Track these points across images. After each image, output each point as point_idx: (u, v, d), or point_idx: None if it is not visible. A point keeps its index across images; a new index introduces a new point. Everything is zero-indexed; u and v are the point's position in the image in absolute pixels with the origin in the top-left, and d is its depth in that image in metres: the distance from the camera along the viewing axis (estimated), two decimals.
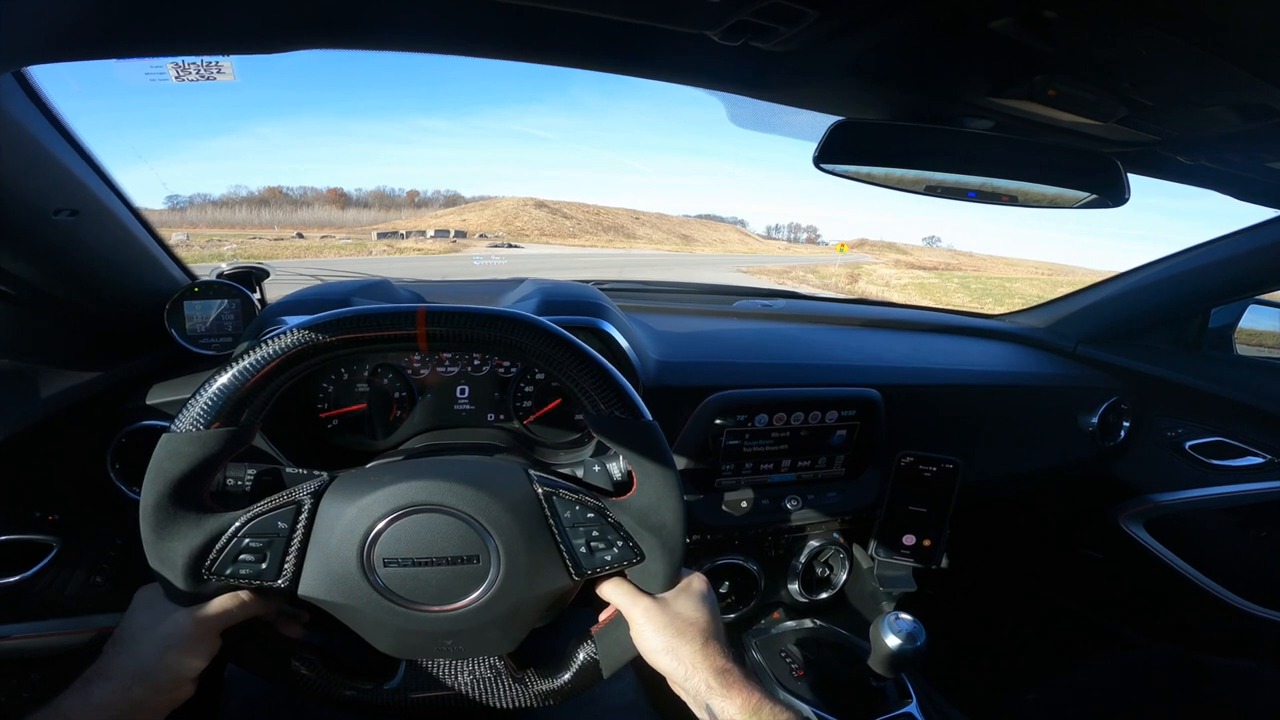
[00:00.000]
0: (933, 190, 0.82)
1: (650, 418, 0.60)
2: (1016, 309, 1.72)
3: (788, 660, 1.07)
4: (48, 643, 0.81)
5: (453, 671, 0.62)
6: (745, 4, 0.50)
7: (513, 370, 0.96)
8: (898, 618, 0.86)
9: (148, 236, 0.86)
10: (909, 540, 1.10)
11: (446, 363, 0.95)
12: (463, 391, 0.96)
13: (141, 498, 0.53)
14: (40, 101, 0.62)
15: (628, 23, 0.55)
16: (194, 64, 0.60)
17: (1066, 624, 1.66)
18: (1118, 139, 0.80)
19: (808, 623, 1.17)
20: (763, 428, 1.01)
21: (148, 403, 0.87)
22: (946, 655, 0.91)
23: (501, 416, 0.98)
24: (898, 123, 0.77)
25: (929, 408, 1.20)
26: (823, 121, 0.72)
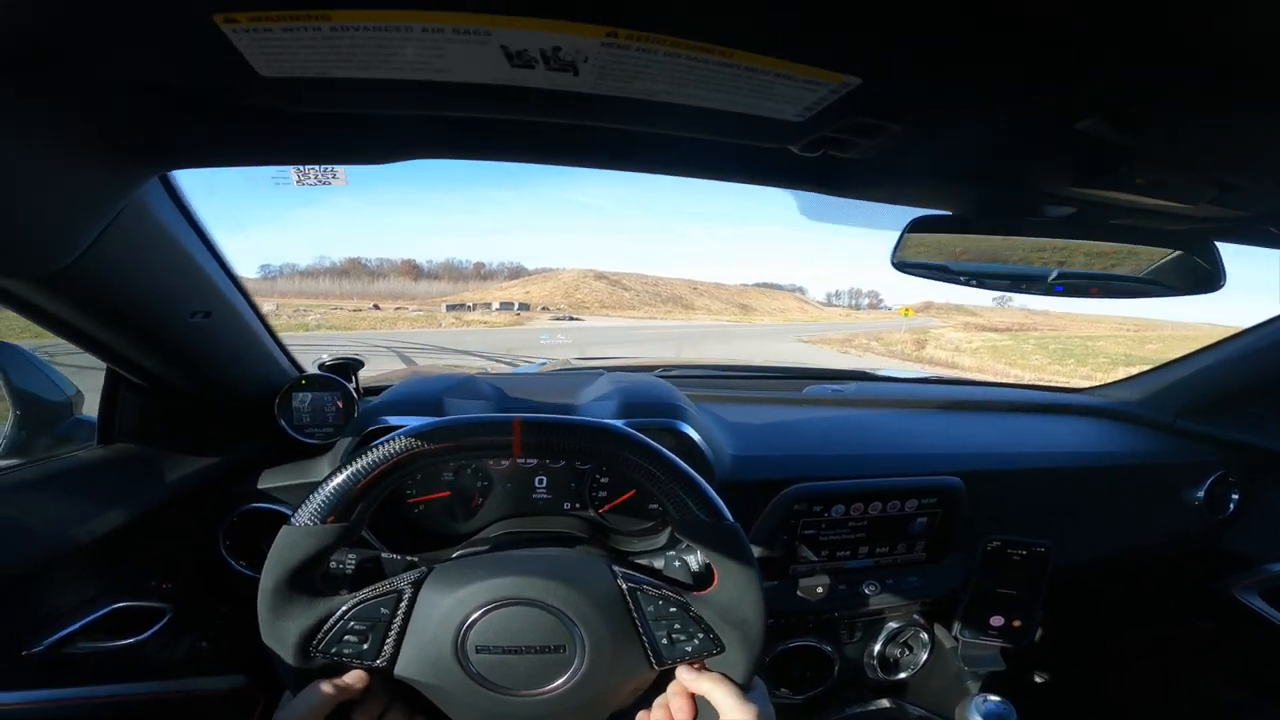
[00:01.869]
0: (1017, 286, 0.81)
1: (732, 520, 0.62)
2: (1103, 372, 1.64)
3: None
4: (159, 702, 0.85)
5: None
6: (827, 124, 0.52)
7: (589, 463, 0.98)
8: (986, 699, 0.86)
9: (264, 332, 0.92)
10: (997, 621, 1.07)
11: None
12: (540, 482, 0.99)
13: (261, 582, 0.58)
14: (182, 204, 0.66)
15: (713, 140, 0.58)
16: (314, 170, 0.67)
17: (1174, 697, 1.53)
18: (1208, 216, 0.78)
19: (884, 703, 1.14)
20: (839, 518, 1.01)
21: (259, 487, 0.93)
22: None
23: (577, 505, 1.00)
24: (975, 218, 0.77)
25: (1017, 491, 1.17)
26: (898, 211, 0.74)
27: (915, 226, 0.73)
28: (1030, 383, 2.07)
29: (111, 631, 0.78)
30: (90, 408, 0.94)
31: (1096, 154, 0.62)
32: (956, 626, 1.09)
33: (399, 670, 0.59)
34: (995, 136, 0.60)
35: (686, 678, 0.64)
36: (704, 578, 0.67)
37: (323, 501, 0.58)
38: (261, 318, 0.91)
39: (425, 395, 0.98)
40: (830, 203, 0.86)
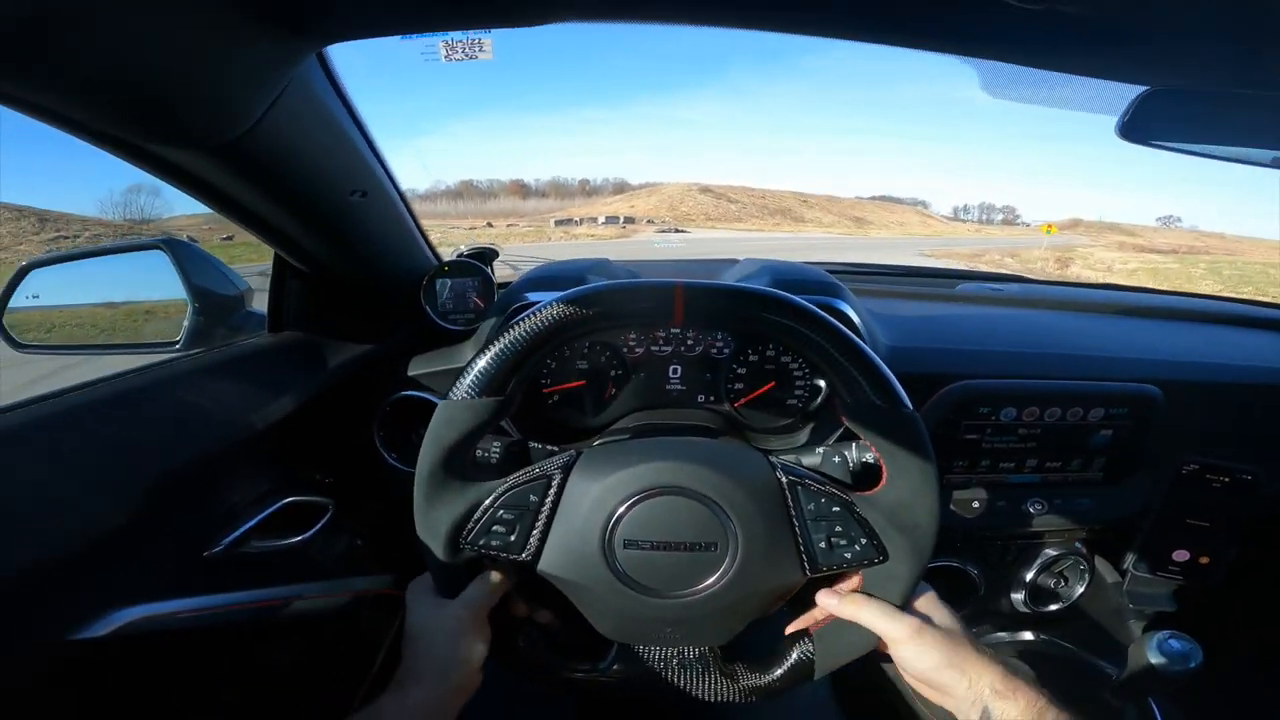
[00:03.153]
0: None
1: (911, 407, 0.56)
2: None
3: None
4: (313, 605, 0.84)
5: (664, 658, 0.62)
6: None
7: (725, 351, 0.94)
8: (1171, 635, 0.76)
9: (410, 219, 0.92)
10: (1181, 556, 0.95)
11: (660, 342, 0.94)
12: (674, 371, 0.95)
13: (419, 464, 0.56)
14: (337, 84, 0.66)
15: None
16: (460, 41, 0.63)
17: None
18: None
19: (1028, 635, 1.06)
20: (1008, 423, 0.90)
21: (408, 374, 0.94)
22: (1205, 683, 0.77)
23: (712, 398, 0.96)
24: (1237, 90, 0.62)
25: (1219, 410, 1.02)
26: (1115, 89, 0.61)
27: (1153, 99, 0.61)
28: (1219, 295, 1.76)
29: (282, 528, 0.78)
30: (259, 304, 0.98)
31: None
32: (1130, 559, 0.97)
33: (543, 565, 0.57)
34: None
35: (830, 603, 0.60)
36: (865, 476, 0.63)
37: (479, 374, 0.56)
38: (407, 204, 0.91)
39: (566, 273, 0.96)
40: (1029, 76, 0.71)
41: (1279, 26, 0.53)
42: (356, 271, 0.88)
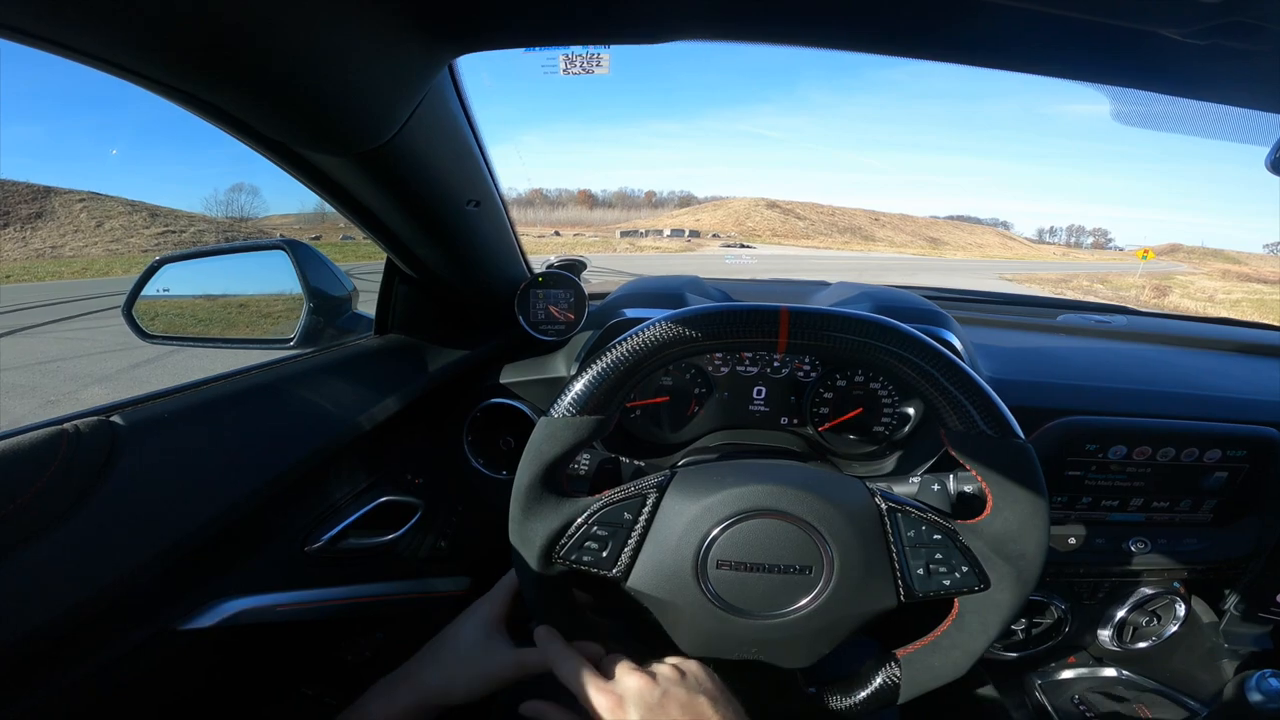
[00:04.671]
0: None
1: (1024, 438, 0.55)
2: None
3: (1081, 708, 0.96)
4: (395, 603, 0.85)
5: (747, 676, 0.61)
6: (1250, 5, 0.41)
7: (812, 375, 0.92)
8: (1272, 674, 0.75)
9: (511, 229, 0.94)
10: None
11: (746, 362, 0.93)
12: (759, 392, 0.95)
13: (517, 477, 0.57)
14: (462, 94, 0.67)
15: (1075, 24, 0.48)
16: (579, 55, 0.64)
17: None
18: None
19: (1109, 671, 1.03)
20: (1117, 460, 0.88)
21: (500, 381, 0.96)
22: None
23: (795, 421, 0.95)
24: None
25: None
26: (1261, 119, 0.59)
27: None
28: None
29: (376, 526, 0.80)
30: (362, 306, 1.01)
31: None
32: (1232, 600, 0.95)
33: (633, 581, 0.57)
34: None
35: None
36: (963, 506, 0.63)
37: (581, 392, 0.56)
38: (508, 213, 0.92)
39: (663, 290, 0.97)
40: (1165, 105, 0.68)
41: None
42: (459, 278, 0.90)
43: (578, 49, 0.65)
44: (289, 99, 0.48)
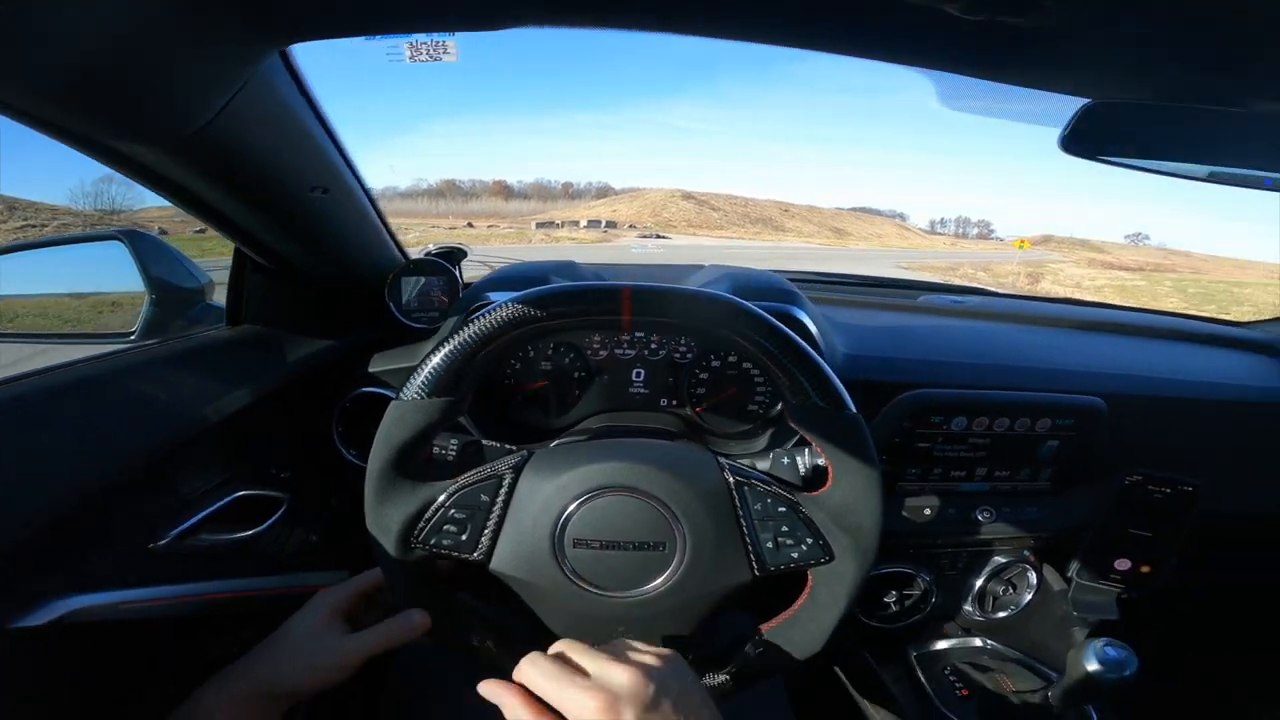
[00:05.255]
0: (1218, 177, 0.68)
1: (855, 410, 0.57)
2: (1248, 318, 1.42)
3: (953, 680, 0.99)
4: (264, 599, 0.83)
5: None
6: None
7: (689, 356, 0.95)
8: (1107, 644, 0.77)
9: (375, 216, 0.92)
10: (1123, 565, 0.97)
11: (624, 345, 0.95)
12: (638, 374, 0.96)
13: (369, 463, 0.57)
14: (301, 82, 0.66)
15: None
16: (425, 43, 0.63)
17: None
18: None
19: (976, 641, 1.08)
20: (960, 431, 0.92)
21: (369, 370, 0.94)
22: (1145, 691, 0.79)
23: (674, 402, 0.97)
24: (1172, 104, 0.64)
25: (1164, 423, 1.05)
26: (1062, 102, 0.63)
27: (1093, 112, 0.62)
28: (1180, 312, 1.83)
29: (234, 522, 0.78)
30: (221, 296, 0.97)
31: None
32: (1074, 566, 0.99)
33: (495, 564, 0.57)
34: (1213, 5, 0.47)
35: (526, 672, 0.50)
36: (814, 480, 0.64)
37: (429, 374, 0.56)
38: (373, 202, 0.91)
39: (529, 273, 0.97)
40: (980, 89, 0.74)
41: (1210, 42, 0.56)
42: (318, 267, 0.88)
43: (421, 36, 0.64)
44: (85, 86, 0.46)
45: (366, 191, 0.88)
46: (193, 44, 0.48)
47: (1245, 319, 1.43)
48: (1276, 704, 1.35)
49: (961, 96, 0.81)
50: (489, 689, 0.50)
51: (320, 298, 0.96)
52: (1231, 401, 1.08)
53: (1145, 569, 0.96)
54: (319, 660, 0.59)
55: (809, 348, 0.57)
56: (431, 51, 0.66)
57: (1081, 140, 0.63)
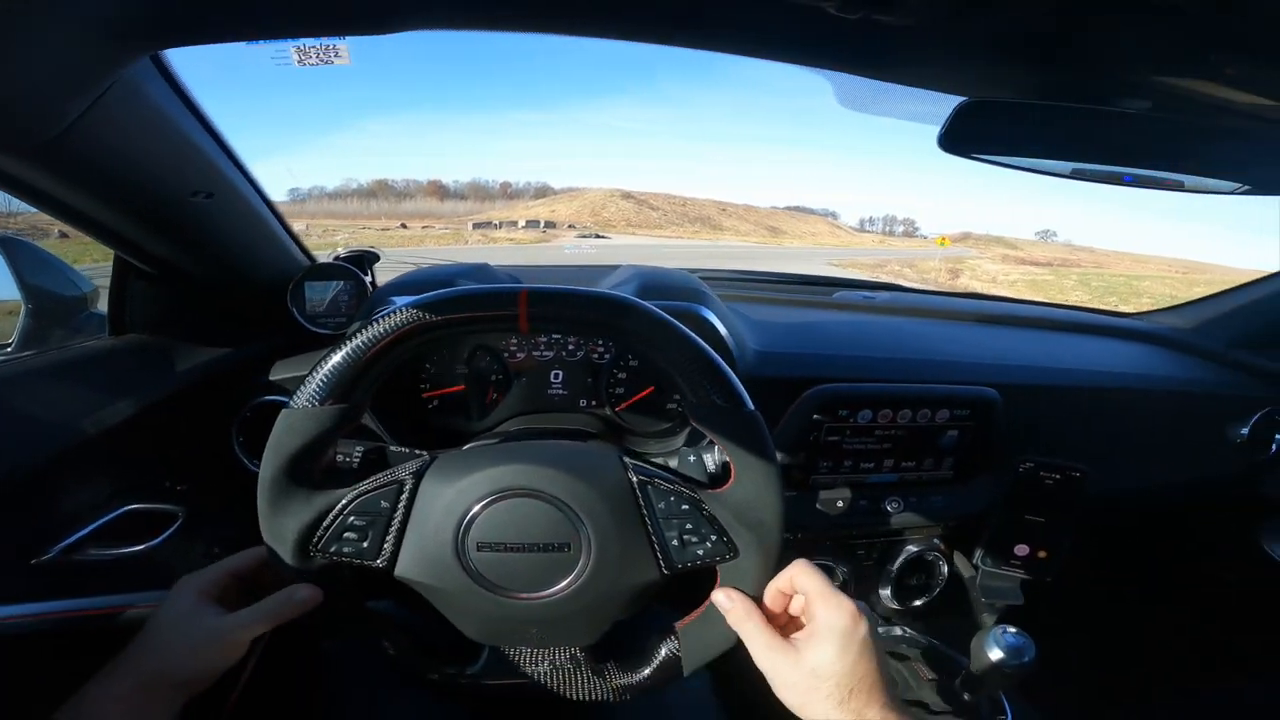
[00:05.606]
0: (1081, 174, 0.73)
1: (752, 407, 0.58)
2: (1145, 309, 1.54)
3: None
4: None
5: (534, 660, 0.62)
6: None
7: (606, 356, 0.96)
8: (1005, 631, 0.79)
9: (274, 221, 0.91)
10: (1022, 551, 1.02)
11: (542, 347, 0.96)
12: (556, 376, 0.97)
13: (260, 472, 0.56)
14: (177, 86, 0.65)
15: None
16: (314, 47, 0.61)
17: (1190, 648, 1.52)
18: None
19: (896, 630, 1.10)
20: (865, 424, 0.95)
21: (271, 378, 0.92)
22: (1050, 674, 0.83)
23: (594, 402, 0.98)
24: (1039, 102, 0.69)
25: (1052, 411, 1.11)
26: (944, 102, 0.65)
27: (968, 110, 0.64)
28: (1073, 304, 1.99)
29: (124, 537, 0.77)
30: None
31: (1180, 34, 0.53)
32: (978, 554, 1.03)
33: (399, 570, 0.56)
34: (1069, 4, 0.51)
35: (721, 602, 0.58)
36: (720, 478, 0.63)
37: (321, 381, 0.55)
38: (270, 205, 0.89)
39: (436, 277, 0.95)
40: (872, 89, 0.77)
41: (1068, 41, 0.58)
42: (208, 274, 0.86)
43: (310, 40, 0.62)
44: None
45: (262, 195, 0.86)
46: (41, 51, 0.46)
47: (1144, 309, 1.56)
48: (1179, 671, 1.48)
49: (856, 97, 0.84)
50: (722, 596, 0.58)
51: (213, 305, 0.93)
52: (1116, 388, 1.16)
53: (1042, 554, 1.01)
54: (197, 642, 0.56)
55: (705, 346, 0.57)
56: (322, 55, 0.64)
57: (957, 139, 0.66)
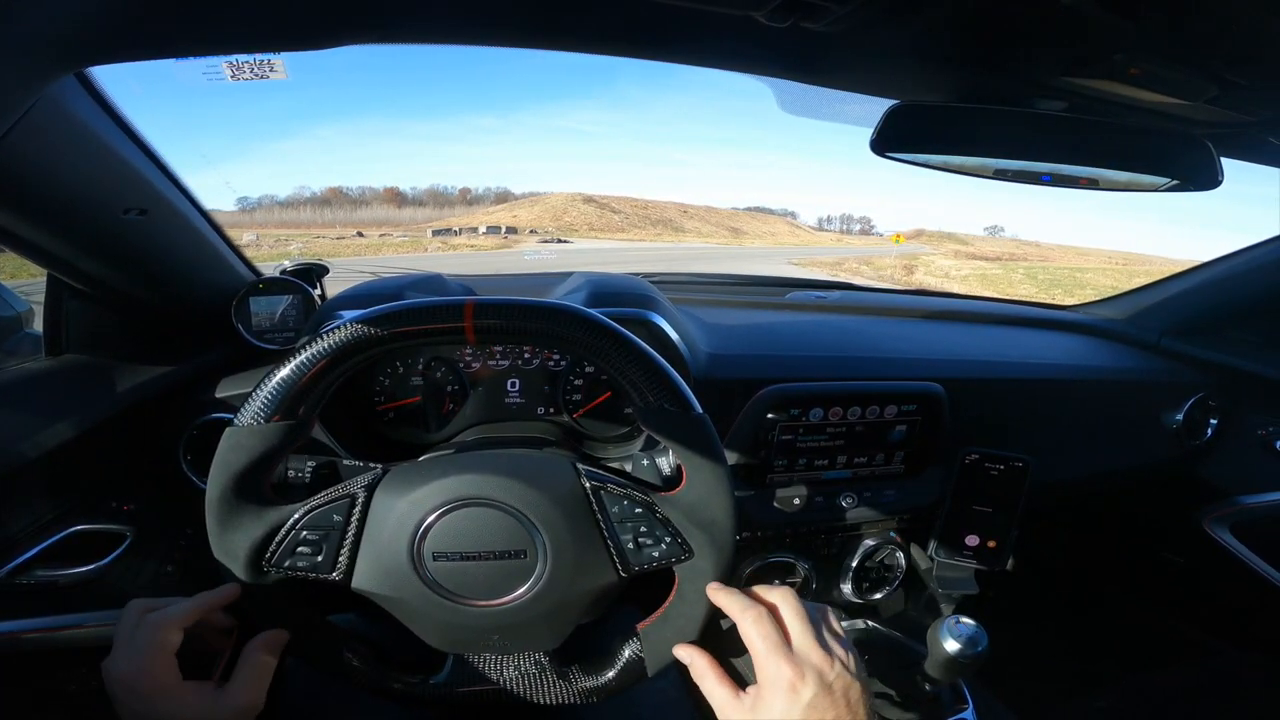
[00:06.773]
0: (1003, 174, 0.77)
1: (700, 411, 0.59)
2: (1089, 300, 1.61)
3: None
4: (109, 632, 0.82)
5: (498, 667, 0.63)
6: None
7: (562, 364, 0.96)
8: (958, 621, 0.80)
9: (215, 235, 0.89)
10: (972, 541, 1.05)
11: (498, 356, 0.96)
12: (513, 385, 0.97)
13: (207, 490, 0.55)
14: (104, 102, 0.64)
15: (669, 4, 0.52)
16: (247, 63, 0.61)
17: (1141, 631, 1.58)
18: (1207, 119, 0.74)
19: (859, 623, 1.12)
20: (817, 422, 0.97)
21: (217, 395, 0.90)
22: (1008, 661, 0.85)
23: (551, 410, 0.98)
24: (961, 105, 0.72)
25: (996, 403, 1.14)
26: (880, 105, 0.68)
27: (896, 112, 0.67)
28: (1020, 298, 2.07)
29: (71, 558, 0.76)
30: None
31: (1088, 37, 0.56)
32: (932, 545, 1.06)
33: (356, 582, 0.56)
34: (976, 5, 0.54)
35: (718, 598, 0.59)
36: (674, 480, 0.64)
37: (265, 398, 0.55)
38: (210, 220, 0.87)
39: (385, 289, 0.94)
40: (810, 94, 0.80)
41: (987, 43, 0.61)
42: (146, 291, 0.84)
43: (243, 56, 0.62)
44: None
45: (201, 209, 0.85)
46: None
47: (1086, 300, 1.61)
48: (1133, 653, 1.53)
49: (796, 101, 0.87)
50: (683, 652, 0.59)
51: (153, 323, 0.91)
52: (1056, 380, 1.21)
53: (991, 543, 1.04)
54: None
55: (651, 352, 0.58)
56: (256, 70, 0.63)
57: (888, 142, 0.68)
